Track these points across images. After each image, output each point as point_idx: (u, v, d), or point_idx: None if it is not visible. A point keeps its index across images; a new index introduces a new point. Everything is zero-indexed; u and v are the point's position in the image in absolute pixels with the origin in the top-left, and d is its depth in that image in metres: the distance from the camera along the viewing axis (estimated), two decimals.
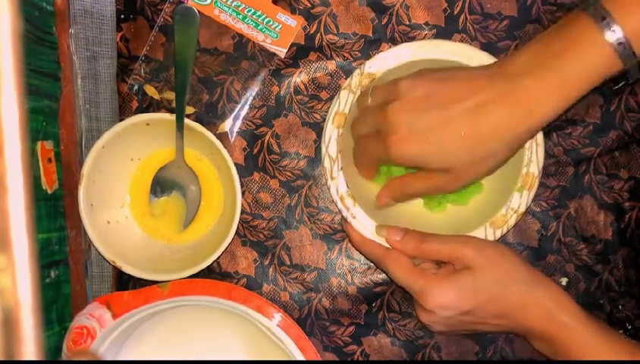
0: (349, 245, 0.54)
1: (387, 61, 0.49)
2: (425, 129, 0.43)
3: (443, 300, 0.45)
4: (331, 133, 0.49)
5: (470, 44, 0.51)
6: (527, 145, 0.48)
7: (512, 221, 0.49)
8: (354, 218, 0.49)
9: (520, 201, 0.49)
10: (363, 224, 0.49)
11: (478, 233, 0.49)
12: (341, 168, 0.49)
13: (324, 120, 0.53)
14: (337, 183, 0.49)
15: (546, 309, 0.45)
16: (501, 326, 0.47)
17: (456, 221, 0.51)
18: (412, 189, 0.48)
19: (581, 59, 0.40)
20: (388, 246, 0.48)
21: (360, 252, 0.52)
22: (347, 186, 0.49)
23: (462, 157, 0.44)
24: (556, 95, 0.41)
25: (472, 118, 0.42)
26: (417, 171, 0.48)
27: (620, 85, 0.46)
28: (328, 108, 0.53)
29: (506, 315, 0.46)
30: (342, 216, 0.49)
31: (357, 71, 0.49)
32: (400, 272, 0.47)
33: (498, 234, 0.49)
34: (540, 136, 0.48)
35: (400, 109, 0.44)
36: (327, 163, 0.49)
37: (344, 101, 0.49)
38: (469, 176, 0.45)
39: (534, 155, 0.48)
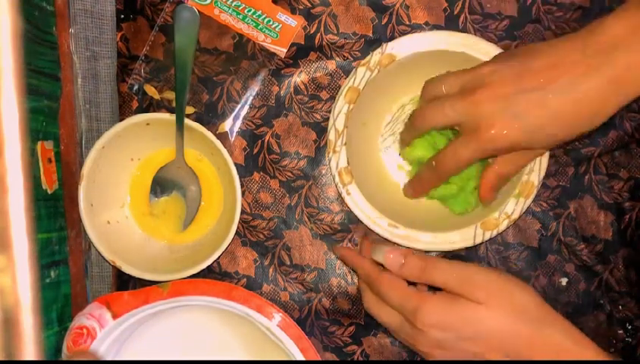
0: (350, 245, 0.54)
1: (411, 44, 0.49)
2: (522, 113, 0.41)
3: (438, 319, 0.43)
4: (342, 107, 0.49)
5: None
6: None
7: (503, 226, 0.49)
8: (349, 194, 0.49)
9: (515, 207, 0.49)
10: (356, 202, 0.49)
11: (467, 232, 0.49)
12: (345, 143, 0.49)
13: (325, 120, 0.53)
14: (339, 157, 0.49)
15: (557, 344, 0.42)
16: (504, 360, 0.43)
17: (447, 214, 0.51)
18: (510, 173, 0.47)
19: None
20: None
21: (352, 269, 0.52)
22: (348, 163, 0.49)
23: (563, 135, 0.42)
24: None
25: (568, 95, 0.40)
26: (509, 154, 0.46)
27: None
28: (329, 108, 0.53)
29: (511, 351, 0.43)
30: (329, 247, 0.50)
31: (378, 50, 0.49)
32: (394, 293, 0.45)
33: (487, 236, 0.49)
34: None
35: (490, 97, 0.42)
36: (332, 135, 0.49)
37: (360, 77, 0.49)
38: (561, 142, 0.44)
39: (536, 165, 0.49)
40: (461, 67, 0.45)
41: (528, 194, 0.49)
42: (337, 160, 0.49)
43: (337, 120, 0.49)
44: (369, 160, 0.53)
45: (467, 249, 0.51)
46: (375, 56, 0.49)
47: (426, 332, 0.44)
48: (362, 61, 0.49)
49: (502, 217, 0.49)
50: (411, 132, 0.48)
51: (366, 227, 0.50)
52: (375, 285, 0.47)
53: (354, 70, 0.50)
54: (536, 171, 0.49)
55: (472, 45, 0.49)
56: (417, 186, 0.50)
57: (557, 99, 0.40)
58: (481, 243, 0.50)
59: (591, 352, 0.42)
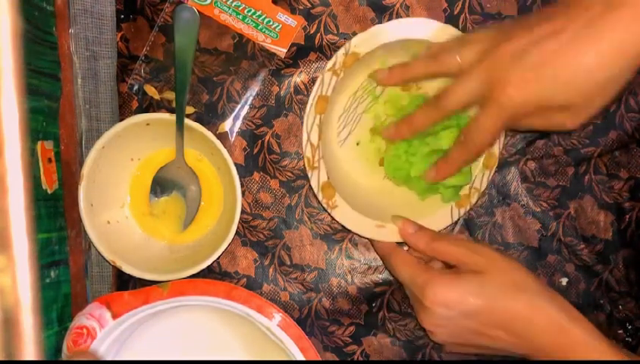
0: (350, 245, 0.54)
1: (373, 39, 0.48)
2: (536, 66, 0.39)
3: (444, 296, 0.44)
4: (313, 119, 0.48)
5: None
6: None
7: (474, 199, 0.51)
8: (334, 207, 0.49)
9: (482, 179, 0.51)
10: (343, 212, 0.49)
11: (445, 213, 0.50)
12: (322, 157, 0.49)
13: None
14: (319, 172, 0.49)
15: (556, 321, 0.42)
16: (504, 341, 0.44)
17: (422, 201, 0.52)
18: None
19: None
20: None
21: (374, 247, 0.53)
22: (327, 177, 0.49)
23: (583, 86, 0.38)
24: None
25: (584, 44, 0.37)
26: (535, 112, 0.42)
27: None
28: None
29: (511, 327, 0.43)
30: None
31: (341, 51, 0.48)
32: (405, 267, 0.47)
33: (462, 212, 0.51)
34: None
35: (502, 53, 0.40)
36: (309, 152, 0.48)
37: (327, 84, 0.48)
38: (593, 108, 0.40)
39: None
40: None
41: (492, 165, 0.50)
42: (317, 176, 0.48)
43: (312, 135, 0.48)
44: (333, 160, 0.51)
45: None
46: (340, 58, 0.48)
47: (432, 309, 0.44)
48: (328, 66, 0.48)
49: (472, 191, 0.51)
50: (432, 114, 0.46)
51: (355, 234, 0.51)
52: (389, 259, 0.48)
53: (321, 76, 0.48)
54: (495, 142, 0.49)
55: (434, 30, 0.48)
56: (445, 167, 0.48)
57: (574, 47, 0.38)
58: (458, 219, 0.52)
59: (581, 330, 0.42)
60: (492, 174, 0.51)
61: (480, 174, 0.50)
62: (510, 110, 0.41)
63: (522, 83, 0.39)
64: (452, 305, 0.44)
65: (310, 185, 0.49)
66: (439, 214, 0.51)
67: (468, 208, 0.51)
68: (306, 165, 0.48)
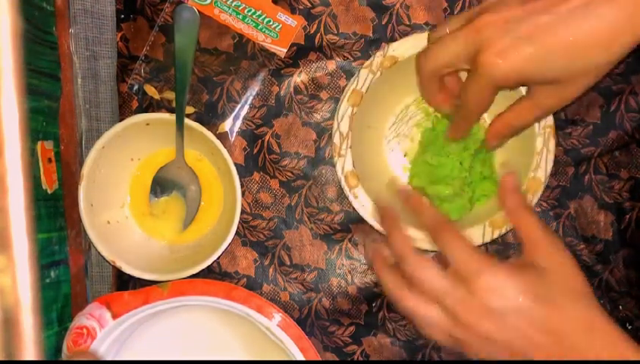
0: (350, 245, 0.54)
1: (412, 45, 0.49)
2: (526, 37, 0.38)
3: (504, 283, 0.38)
4: (345, 110, 0.49)
5: None
6: (538, 149, 0.48)
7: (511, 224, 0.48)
8: (355, 197, 0.49)
9: None
10: (363, 204, 0.49)
11: (476, 230, 0.49)
12: (350, 147, 0.49)
13: (325, 120, 0.53)
14: (344, 160, 0.49)
15: (613, 333, 0.38)
16: (547, 351, 0.39)
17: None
18: (519, 120, 0.44)
19: None
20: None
21: (379, 280, 0.46)
22: (353, 166, 0.49)
23: (571, 65, 0.38)
24: None
25: (579, 21, 0.37)
26: (518, 101, 0.44)
27: None
28: (329, 108, 0.53)
29: (563, 333, 0.39)
30: (366, 252, 0.50)
31: (380, 52, 0.49)
32: (459, 249, 0.40)
33: (496, 234, 0.49)
34: (552, 143, 0.48)
35: (494, 21, 0.39)
36: (336, 139, 0.49)
37: (363, 80, 0.49)
38: (577, 88, 0.40)
39: (542, 161, 0.48)
40: None
41: (535, 191, 0.49)
42: (342, 164, 0.49)
43: (342, 124, 0.49)
44: (374, 162, 0.53)
45: None
46: (377, 58, 0.49)
47: (483, 296, 0.39)
48: (365, 64, 0.49)
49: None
50: (423, 87, 0.46)
51: (372, 227, 0.50)
52: (439, 239, 0.42)
53: (357, 72, 0.49)
54: (542, 167, 0.49)
55: None
56: (453, 131, 0.48)
57: (566, 24, 0.37)
58: (490, 242, 0.50)
59: (634, 348, 0.38)
60: (535, 200, 0.48)
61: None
62: (495, 76, 0.40)
63: (510, 51, 0.38)
64: (506, 295, 0.39)
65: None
66: (471, 232, 0.48)
67: (504, 231, 0.48)
68: (333, 152, 0.49)
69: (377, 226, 0.49)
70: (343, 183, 0.49)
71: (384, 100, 0.51)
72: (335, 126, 0.49)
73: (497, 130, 0.46)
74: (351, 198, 0.49)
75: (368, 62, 0.49)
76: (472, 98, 0.42)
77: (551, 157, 0.49)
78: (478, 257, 0.40)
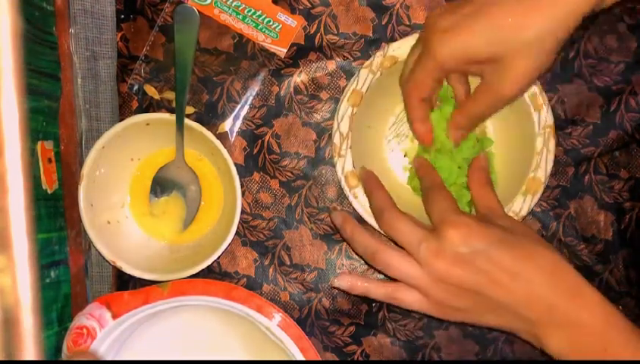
0: (349, 245, 0.54)
1: (412, 45, 0.49)
2: (467, 18, 0.42)
3: (466, 228, 0.41)
4: (345, 110, 0.49)
5: None
6: (538, 149, 0.48)
7: None
8: (355, 197, 0.49)
9: (522, 205, 0.49)
10: (363, 205, 0.49)
11: None
12: (350, 147, 0.49)
13: (325, 120, 0.53)
14: (344, 161, 0.49)
15: (575, 278, 0.41)
16: (521, 291, 0.41)
17: None
18: (476, 108, 0.46)
19: None
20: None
21: (350, 243, 0.48)
22: (353, 166, 0.49)
23: (512, 41, 0.41)
24: None
25: (516, 4, 0.41)
26: (474, 90, 0.46)
27: None
28: (329, 108, 0.53)
29: (530, 274, 0.41)
30: (334, 219, 0.49)
31: (380, 53, 0.49)
32: (438, 196, 0.45)
33: None
34: (552, 143, 0.48)
35: (439, 13, 0.43)
36: (337, 139, 0.49)
37: (363, 80, 0.49)
38: (522, 68, 0.42)
39: (542, 161, 0.49)
40: None
41: (535, 191, 0.49)
42: (342, 164, 0.49)
43: (342, 124, 0.49)
44: (374, 162, 0.53)
45: None
46: (377, 58, 0.49)
47: (454, 242, 0.41)
48: (365, 64, 0.49)
49: (510, 215, 0.49)
50: (410, 110, 0.49)
51: (372, 228, 0.49)
52: (429, 197, 0.46)
53: (357, 72, 0.49)
54: (542, 167, 0.49)
55: None
56: (409, 112, 0.50)
57: (503, 7, 0.41)
58: None
59: (598, 294, 0.41)
60: (535, 200, 0.49)
61: (521, 198, 0.49)
62: (442, 54, 0.43)
63: (455, 26, 0.42)
64: (479, 243, 0.41)
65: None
66: None
67: None
68: (333, 152, 0.50)
69: (377, 226, 0.49)
70: (343, 183, 0.49)
71: (384, 100, 0.51)
72: (335, 126, 0.49)
73: (457, 120, 0.48)
74: (351, 198, 0.49)
75: (368, 62, 0.49)
76: (420, 77, 0.45)
77: (551, 157, 0.49)
78: (455, 210, 0.43)
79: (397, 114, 0.53)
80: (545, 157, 0.49)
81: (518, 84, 0.43)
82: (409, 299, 0.44)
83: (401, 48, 0.49)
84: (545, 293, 0.41)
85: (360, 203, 0.49)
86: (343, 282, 0.46)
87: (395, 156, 0.53)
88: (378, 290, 0.45)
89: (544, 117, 0.48)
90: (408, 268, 0.43)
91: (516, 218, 0.49)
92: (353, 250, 0.50)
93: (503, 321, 0.43)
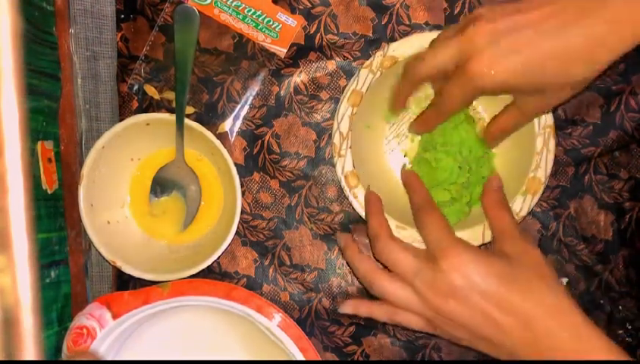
0: None
1: (412, 45, 0.49)
2: (513, 48, 0.40)
3: (471, 266, 0.41)
4: (345, 110, 0.49)
5: None
6: (538, 149, 0.48)
7: None
8: (355, 197, 0.49)
9: (522, 205, 0.49)
10: (362, 205, 0.49)
11: (476, 231, 0.49)
12: (350, 147, 0.49)
13: (325, 120, 0.53)
14: (344, 161, 0.49)
15: (578, 324, 0.40)
16: (513, 334, 0.40)
17: None
18: (507, 124, 0.46)
19: None
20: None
21: (350, 267, 0.49)
22: (353, 166, 0.49)
23: (555, 77, 0.40)
24: None
25: (561, 36, 0.39)
26: (506, 108, 0.46)
27: None
28: (329, 108, 0.53)
29: (531, 320, 0.40)
30: (338, 241, 0.50)
31: (380, 52, 0.49)
32: (432, 228, 0.44)
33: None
34: (552, 143, 0.48)
35: (481, 32, 0.40)
36: (336, 139, 0.49)
37: (363, 80, 0.49)
38: (557, 98, 0.42)
39: (542, 161, 0.49)
40: None
41: (535, 191, 0.49)
42: (342, 164, 0.49)
43: (342, 124, 0.49)
44: (374, 162, 0.53)
45: None
46: (377, 58, 0.49)
47: (449, 275, 0.41)
48: (365, 64, 0.49)
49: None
50: (405, 86, 0.47)
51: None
52: (420, 218, 0.46)
53: (357, 72, 0.49)
54: (542, 167, 0.49)
55: None
56: (421, 122, 0.50)
57: (549, 40, 0.39)
58: (489, 243, 0.50)
59: (603, 341, 0.40)
60: (535, 200, 0.49)
61: (521, 198, 0.49)
62: (483, 85, 0.42)
63: (494, 64, 0.40)
64: (476, 277, 0.41)
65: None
66: (471, 232, 0.49)
67: None
68: (333, 152, 0.50)
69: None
70: (343, 183, 0.49)
71: (384, 100, 0.51)
72: (335, 126, 0.49)
73: (492, 133, 0.48)
74: (351, 198, 0.49)
75: (368, 62, 0.49)
76: (453, 99, 0.44)
77: (551, 157, 0.49)
78: (451, 238, 0.43)
79: (399, 115, 0.53)
80: (545, 157, 0.49)
81: (548, 108, 0.45)
82: (409, 321, 0.45)
83: (401, 48, 0.49)
84: (545, 335, 0.40)
85: (360, 203, 0.49)
86: (349, 308, 0.48)
87: (395, 156, 0.53)
88: (380, 312, 0.46)
89: (544, 117, 0.48)
90: (404, 298, 0.44)
91: (516, 217, 0.48)
92: (353, 274, 0.52)
93: (500, 354, 0.43)
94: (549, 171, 0.49)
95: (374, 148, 0.53)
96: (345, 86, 0.52)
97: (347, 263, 0.50)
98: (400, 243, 0.45)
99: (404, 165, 0.52)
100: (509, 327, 0.40)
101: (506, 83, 0.41)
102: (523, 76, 0.41)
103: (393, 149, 0.53)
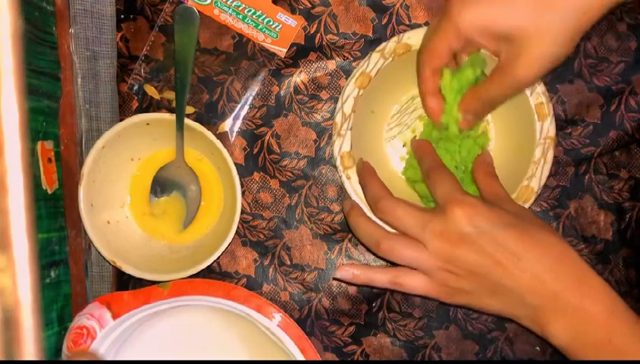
0: (350, 245, 0.54)
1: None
2: None
3: (472, 208, 0.41)
4: (352, 91, 0.49)
5: None
6: (535, 158, 0.48)
7: None
8: (349, 178, 0.49)
9: None
10: (355, 187, 0.49)
11: None
12: (350, 128, 0.49)
13: (325, 120, 0.53)
14: (342, 140, 0.49)
15: (581, 265, 0.41)
16: (524, 277, 0.40)
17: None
18: (489, 91, 0.45)
19: None
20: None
21: (355, 231, 0.48)
22: (351, 147, 0.49)
23: (532, 21, 0.40)
24: None
25: None
26: (489, 75, 0.45)
27: None
28: (329, 107, 0.53)
29: (534, 257, 0.41)
30: (344, 206, 0.49)
31: (394, 38, 0.49)
32: (442, 177, 0.44)
33: None
34: (550, 154, 0.48)
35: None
36: (338, 118, 0.49)
37: (373, 63, 0.49)
38: (541, 56, 0.41)
39: (538, 171, 0.48)
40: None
41: (527, 199, 0.48)
42: (340, 143, 0.49)
43: (346, 104, 0.49)
44: (372, 148, 0.52)
45: None
46: (391, 43, 0.49)
47: (459, 223, 0.41)
48: (378, 48, 0.49)
49: None
50: (421, 74, 0.47)
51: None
52: (431, 177, 0.46)
53: (368, 55, 0.49)
54: (537, 176, 0.48)
55: None
56: (420, 83, 0.49)
57: None
58: None
59: (602, 282, 0.41)
60: (528, 206, 0.49)
61: None
62: (458, 25, 0.42)
63: (467, 2, 0.41)
64: (485, 224, 0.41)
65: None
66: None
67: None
68: (333, 131, 0.49)
69: (367, 211, 0.48)
70: (337, 162, 0.49)
71: (391, 87, 0.51)
72: (339, 105, 0.49)
73: (468, 102, 0.47)
74: (344, 178, 0.49)
75: (380, 46, 0.49)
76: (432, 45, 0.44)
77: (547, 167, 0.48)
78: (460, 191, 0.43)
79: (403, 103, 0.53)
80: (542, 167, 0.48)
81: (532, 69, 0.42)
82: (413, 282, 0.44)
83: (416, 37, 0.48)
84: (550, 279, 0.41)
85: (352, 186, 0.49)
86: (345, 273, 0.46)
87: (394, 145, 0.53)
88: (381, 276, 0.45)
89: (546, 127, 0.48)
90: (412, 251, 0.43)
91: None
92: (357, 239, 0.49)
93: (505, 305, 0.43)
94: (543, 181, 0.48)
95: (375, 134, 0.53)
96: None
97: (351, 229, 0.48)
98: (405, 201, 0.45)
99: (414, 137, 0.52)
100: (517, 270, 0.41)
101: (482, 21, 0.42)
102: (499, 13, 0.41)
103: (393, 138, 0.53)
